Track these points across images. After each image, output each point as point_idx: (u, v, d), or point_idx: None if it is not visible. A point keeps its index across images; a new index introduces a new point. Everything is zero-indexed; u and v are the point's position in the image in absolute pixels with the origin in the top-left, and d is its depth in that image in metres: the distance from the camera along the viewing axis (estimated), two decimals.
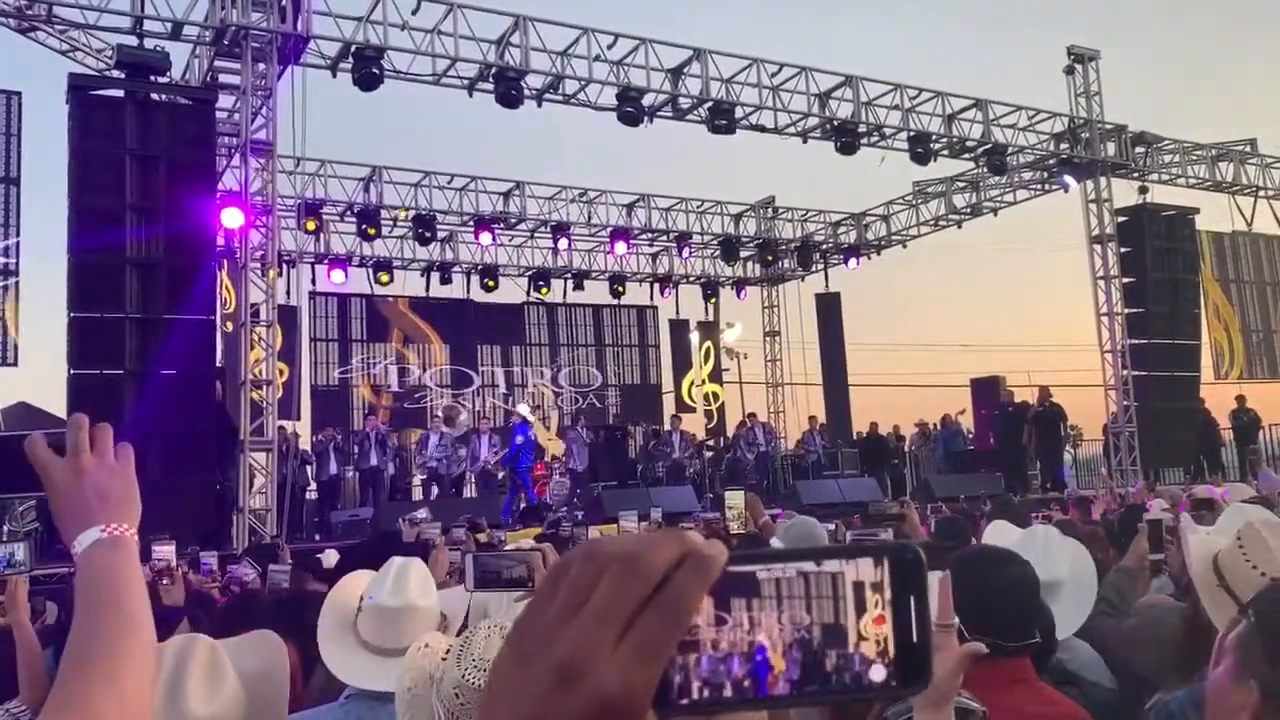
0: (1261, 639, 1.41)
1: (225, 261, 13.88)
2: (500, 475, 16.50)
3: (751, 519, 6.80)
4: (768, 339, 24.27)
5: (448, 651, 1.82)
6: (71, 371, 10.82)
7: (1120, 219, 18.21)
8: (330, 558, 6.15)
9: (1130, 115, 18.41)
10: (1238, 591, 2.19)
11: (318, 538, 13.18)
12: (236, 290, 12.83)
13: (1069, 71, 17.97)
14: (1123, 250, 18.05)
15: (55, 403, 11.23)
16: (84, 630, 1.14)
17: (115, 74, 11.79)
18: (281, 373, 13.64)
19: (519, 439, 15.83)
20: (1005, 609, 2.18)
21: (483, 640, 1.75)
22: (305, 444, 16.03)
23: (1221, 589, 2.23)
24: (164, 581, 4.18)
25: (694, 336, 23.48)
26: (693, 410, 22.55)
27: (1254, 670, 1.39)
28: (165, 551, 4.35)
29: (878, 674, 0.52)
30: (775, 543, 4.84)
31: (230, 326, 13.44)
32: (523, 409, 17.79)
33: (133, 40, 11.82)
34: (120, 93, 11.56)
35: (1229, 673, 1.43)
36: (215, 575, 5.46)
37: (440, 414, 17.50)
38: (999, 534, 3.53)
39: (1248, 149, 20.29)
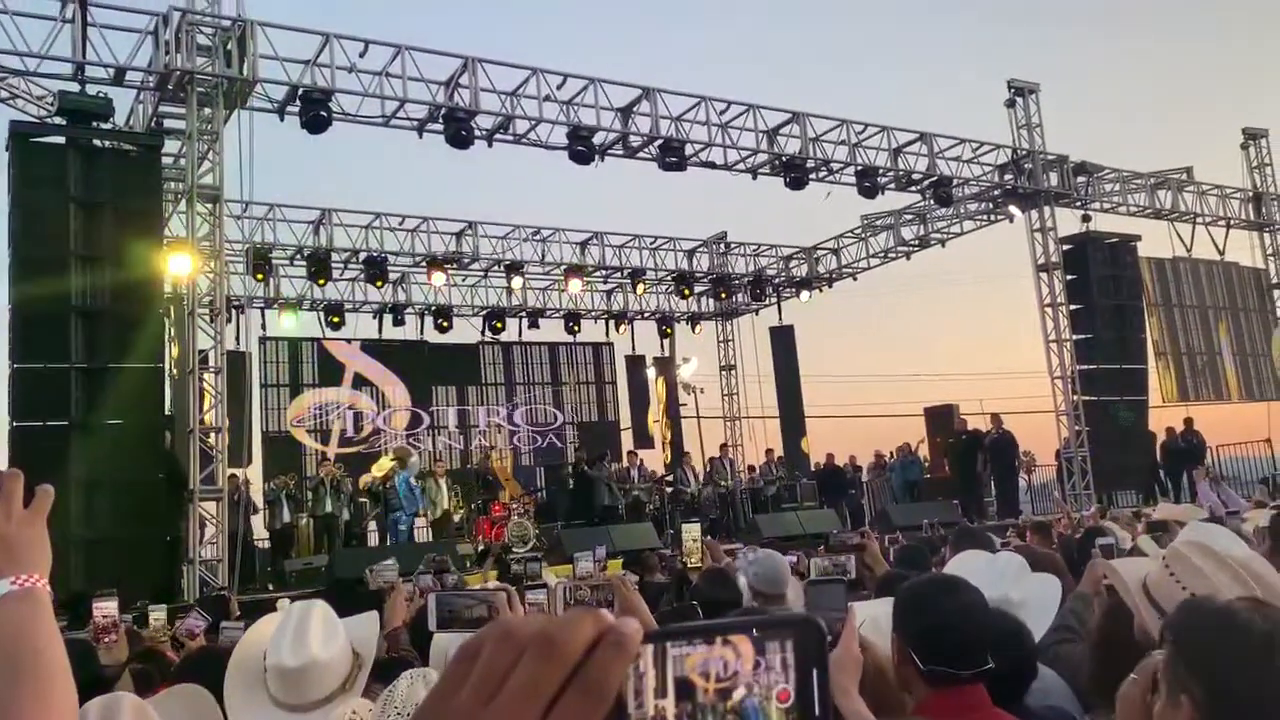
0: (1181, 657, 1.51)
1: (172, 308, 13.66)
2: (457, 519, 16.34)
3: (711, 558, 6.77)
4: (723, 373, 24.39)
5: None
6: (14, 424, 10.55)
7: (1065, 247, 18.59)
8: (284, 608, 6.01)
9: (1071, 146, 18.87)
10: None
11: (271, 587, 12.92)
12: (183, 337, 12.61)
13: (1010, 104, 18.37)
14: (1069, 278, 18.41)
15: None
16: (2, 687, 1.09)
17: (57, 121, 11.63)
18: (231, 420, 13.40)
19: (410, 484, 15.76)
20: (956, 637, 2.17)
21: (405, 688, 1.74)
22: (256, 492, 15.76)
23: (1157, 615, 2.24)
24: (106, 638, 4.02)
25: (650, 372, 23.51)
26: (651, 446, 22.51)
27: (1181, 686, 1.48)
28: (108, 607, 4.19)
29: None
30: (741, 579, 4.82)
31: (177, 373, 13.20)
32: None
33: (74, 87, 11.67)
34: (62, 140, 11.40)
35: (1161, 697, 1.52)
36: (164, 629, 5.30)
37: (393, 456, 17.29)
38: (963, 564, 3.53)
39: (1184, 177, 20.83)
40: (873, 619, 2.57)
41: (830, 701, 0.53)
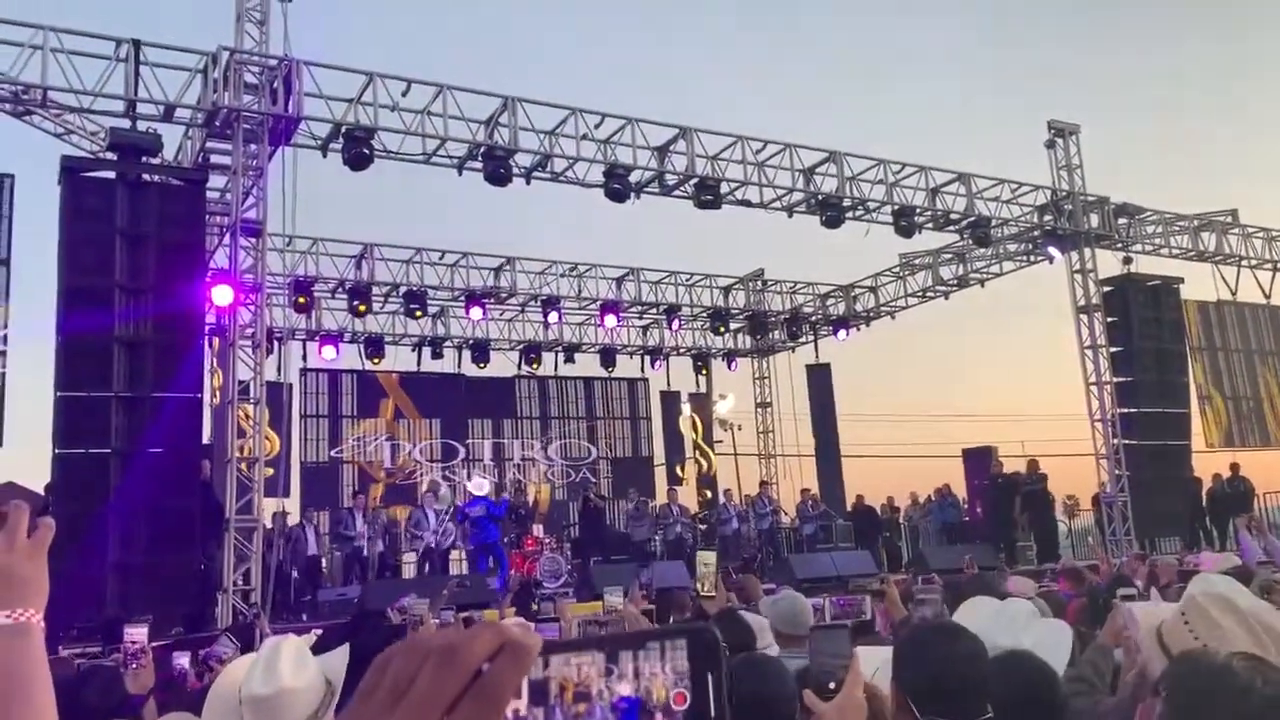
0: (1173, 714, 1.42)
1: (215, 339, 13.91)
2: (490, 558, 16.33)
3: (744, 597, 6.71)
4: (759, 410, 24.30)
5: None
6: (57, 450, 10.76)
7: (1106, 289, 18.37)
8: (311, 639, 6.02)
9: (1112, 187, 18.68)
10: None
11: (304, 617, 13.00)
12: (224, 367, 12.80)
13: (1050, 145, 18.28)
14: (1109, 320, 18.17)
15: (42, 483, 11.19)
16: None
17: (108, 155, 11.93)
18: (270, 450, 13.55)
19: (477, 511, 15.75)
20: (953, 685, 2.15)
21: None
22: (294, 522, 15.90)
23: (1166, 661, 2.21)
24: (133, 665, 4.07)
25: (685, 408, 23.49)
26: (681, 482, 22.43)
27: None
28: (138, 634, 4.25)
29: None
30: (763, 620, 4.78)
31: (218, 400, 13.40)
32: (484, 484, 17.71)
33: (126, 123, 11.98)
34: (112, 174, 11.68)
35: None
36: (187, 675, 5.27)
37: (426, 488, 17.40)
38: (972, 610, 3.49)
39: (1229, 219, 20.55)
40: (885, 663, 2.55)
41: (726, 704, 0.56)
